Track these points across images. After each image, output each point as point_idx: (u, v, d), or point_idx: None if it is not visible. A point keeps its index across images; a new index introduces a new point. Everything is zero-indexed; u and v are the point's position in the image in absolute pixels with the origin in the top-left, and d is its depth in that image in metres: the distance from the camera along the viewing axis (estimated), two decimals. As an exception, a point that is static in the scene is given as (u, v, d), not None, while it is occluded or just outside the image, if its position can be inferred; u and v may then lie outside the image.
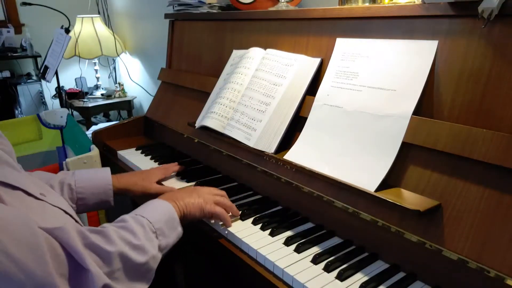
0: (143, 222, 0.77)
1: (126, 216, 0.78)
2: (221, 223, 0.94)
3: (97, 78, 3.52)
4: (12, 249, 0.53)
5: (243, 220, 0.96)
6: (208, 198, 0.93)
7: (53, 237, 0.59)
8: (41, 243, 0.56)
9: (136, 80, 3.47)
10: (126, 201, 1.06)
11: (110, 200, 1.01)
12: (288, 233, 0.90)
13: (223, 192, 1.00)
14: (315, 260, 0.80)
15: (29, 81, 3.57)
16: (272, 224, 0.93)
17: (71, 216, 0.76)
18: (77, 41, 3.16)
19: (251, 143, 1.07)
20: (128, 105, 3.40)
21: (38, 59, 3.52)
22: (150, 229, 0.77)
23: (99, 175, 1.02)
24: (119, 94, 3.38)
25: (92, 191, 0.98)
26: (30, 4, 2.75)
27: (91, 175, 1.01)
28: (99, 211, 1.52)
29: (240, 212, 0.98)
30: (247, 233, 0.90)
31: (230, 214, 0.95)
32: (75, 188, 0.96)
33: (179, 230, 0.84)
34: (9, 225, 0.54)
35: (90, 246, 0.64)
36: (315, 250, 0.84)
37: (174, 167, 1.20)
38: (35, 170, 1.01)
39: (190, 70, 1.59)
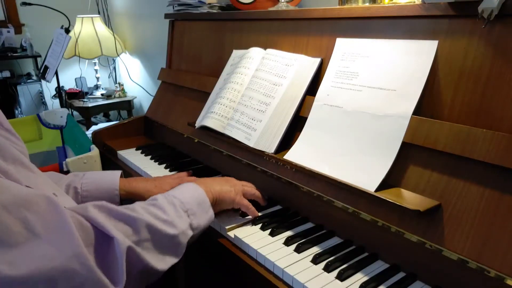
0: (174, 201, 0.78)
1: (157, 195, 0.79)
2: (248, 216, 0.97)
3: (97, 78, 3.52)
4: (39, 228, 0.54)
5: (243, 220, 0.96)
6: (238, 189, 0.95)
7: (76, 213, 0.61)
8: (67, 219, 0.57)
9: (136, 80, 3.47)
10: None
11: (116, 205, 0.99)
12: (288, 233, 0.90)
13: (251, 184, 1.03)
14: (315, 260, 0.80)
15: (29, 81, 3.57)
16: (272, 224, 0.93)
17: None
18: (77, 41, 3.16)
19: (251, 143, 1.07)
20: (128, 105, 3.40)
21: (38, 59, 3.52)
22: (181, 208, 0.78)
23: (107, 179, 1.00)
24: (119, 94, 3.38)
25: (97, 196, 0.96)
26: (30, 4, 2.75)
27: (98, 179, 0.99)
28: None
29: (240, 212, 0.98)
30: (247, 233, 0.90)
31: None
32: (80, 191, 0.95)
33: (210, 213, 0.84)
34: (34, 204, 0.55)
35: (116, 215, 0.67)
36: (315, 250, 0.84)
37: (189, 178, 1.11)
38: (48, 170, 1.00)
39: (190, 70, 1.59)
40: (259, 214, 0.97)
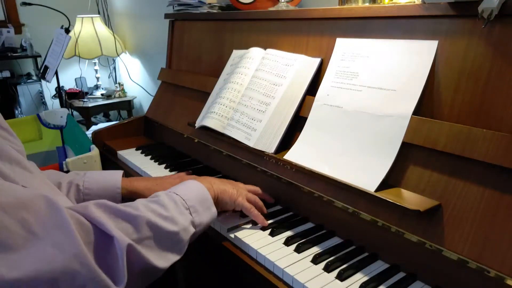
0: (175, 198, 0.78)
1: (159, 192, 0.79)
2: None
3: (97, 78, 3.52)
4: (38, 228, 0.54)
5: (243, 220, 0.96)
6: (241, 192, 0.94)
7: (76, 212, 0.61)
8: (66, 218, 0.57)
9: (136, 80, 3.47)
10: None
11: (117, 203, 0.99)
12: (288, 233, 0.90)
13: (257, 189, 1.01)
14: (315, 260, 0.80)
15: (29, 81, 3.57)
16: (272, 224, 0.93)
17: None
18: (77, 41, 3.16)
19: (251, 143, 1.07)
20: (128, 105, 3.40)
21: (38, 59, 3.52)
22: (183, 205, 0.78)
23: (109, 177, 1.00)
24: (119, 94, 3.38)
25: (99, 194, 0.96)
26: (30, 4, 2.74)
27: (100, 177, 0.99)
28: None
29: (240, 212, 0.97)
30: (247, 233, 0.90)
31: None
32: (82, 189, 0.95)
33: (213, 210, 0.84)
34: (32, 204, 0.55)
35: (117, 214, 0.66)
36: (315, 250, 0.84)
37: (189, 177, 1.11)
38: (48, 169, 1.00)
39: (190, 70, 1.59)
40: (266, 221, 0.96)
